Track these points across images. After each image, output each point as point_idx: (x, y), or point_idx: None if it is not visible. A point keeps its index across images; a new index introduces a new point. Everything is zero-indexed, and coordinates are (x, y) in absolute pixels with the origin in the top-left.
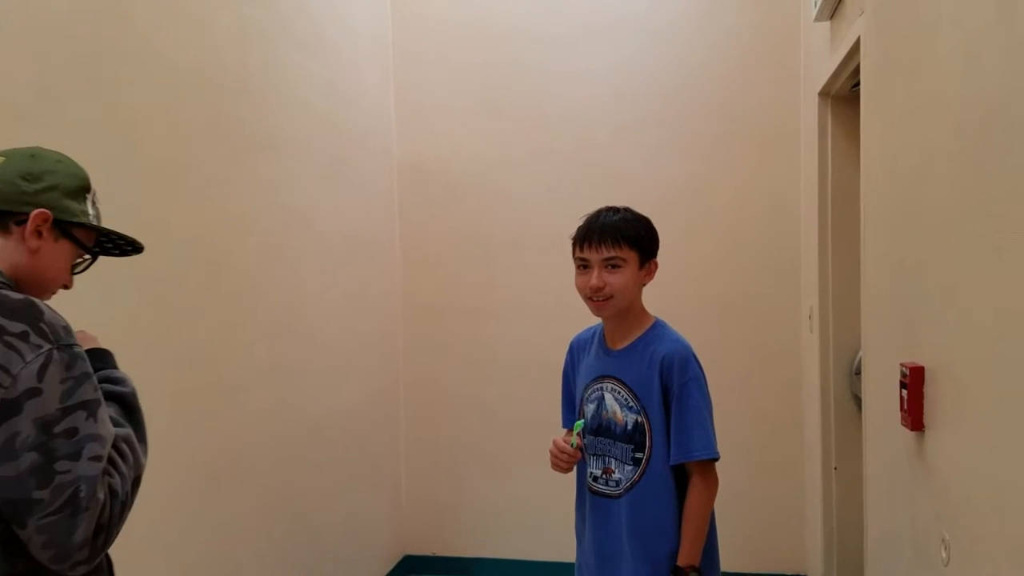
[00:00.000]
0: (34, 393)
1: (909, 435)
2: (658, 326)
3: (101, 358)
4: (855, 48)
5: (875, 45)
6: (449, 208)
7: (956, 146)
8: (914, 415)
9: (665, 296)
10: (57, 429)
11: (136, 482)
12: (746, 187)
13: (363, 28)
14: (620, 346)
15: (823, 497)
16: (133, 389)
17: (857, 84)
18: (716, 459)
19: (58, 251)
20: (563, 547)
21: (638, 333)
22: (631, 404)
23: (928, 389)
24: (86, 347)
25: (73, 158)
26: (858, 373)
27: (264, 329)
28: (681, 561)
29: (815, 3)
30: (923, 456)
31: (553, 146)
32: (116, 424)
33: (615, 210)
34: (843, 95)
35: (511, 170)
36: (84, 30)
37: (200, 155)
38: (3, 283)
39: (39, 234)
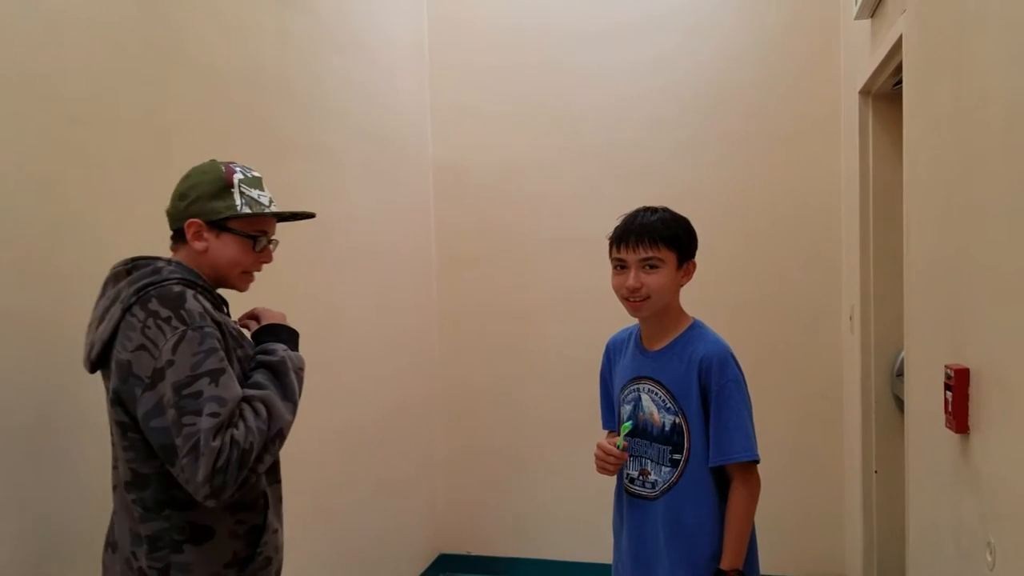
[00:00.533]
0: (171, 363)
1: (954, 437)
2: (696, 326)
3: (271, 331)
4: (897, 46)
5: (918, 43)
6: (484, 210)
7: (1003, 145)
8: (959, 417)
9: (702, 296)
10: (186, 391)
11: (277, 435)
12: (785, 186)
13: (400, 34)
14: (657, 347)
15: (863, 500)
16: (282, 358)
17: (899, 82)
18: (756, 461)
19: (223, 245)
20: (597, 548)
21: (676, 334)
22: (668, 405)
23: (973, 391)
24: (266, 322)
25: (125, 160)
26: (900, 375)
27: (303, 332)
28: (725, 564)
29: (856, 1)
30: (968, 459)
31: (587, 146)
32: (259, 387)
33: (653, 210)
34: (884, 93)
35: (545, 171)
36: (133, 37)
37: (238, 158)
38: (183, 279)
39: (201, 237)
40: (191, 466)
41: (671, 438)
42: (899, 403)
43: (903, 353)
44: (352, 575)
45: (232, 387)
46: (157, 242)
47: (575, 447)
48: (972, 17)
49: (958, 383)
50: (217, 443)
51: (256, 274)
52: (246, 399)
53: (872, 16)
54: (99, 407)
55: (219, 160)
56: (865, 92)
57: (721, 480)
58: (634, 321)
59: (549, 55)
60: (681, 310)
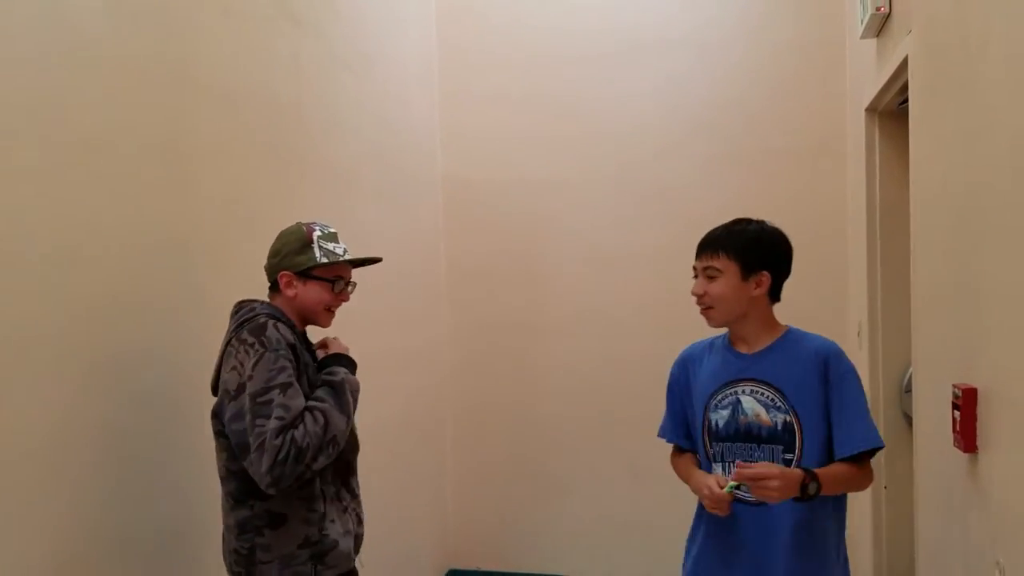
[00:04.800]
0: (251, 378)
1: (962, 457)
2: (795, 330)
3: (336, 358)
4: (903, 66)
5: (923, 63)
6: (494, 229)
7: (1011, 164)
8: (967, 437)
9: None
10: (260, 400)
11: (331, 441)
12: (793, 202)
13: (411, 55)
14: (757, 349)
15: (872, 517)
16: (342, 379)
17: (905, 101)
18: (882, 447)
19: (309, 291)
20: (604, 567)
21: (774, 336)
22: (779, 404)
23: (981, 410)
24: (333, 351)
25: (142, 185)
26: (908, 391)
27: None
28: (815, 470)
29: (862, 20)
30: (976, 478)
31: (598, 164)
32: (320, 400)
33: (736, 221)
34: (890, 111)
35: (556, 189)
36: (153, 62)
37: (257, 181)
38: (271, 315)
39: (291, 285)
40: (258, 459)
41: (783, 437)
42: (908, 419)
43: (911, 369)
44: None
45: (297, 398)
46: (175, 256)
47: (586, 463)
48: (976, 38)
49: (966, 402)
50: (279, 441)
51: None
52: (308, 408)
53: (878, 36)
54: None
55: (303, 221)
56: (872, 110)
57: None
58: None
59: (560, 75)
60: (773, 317)
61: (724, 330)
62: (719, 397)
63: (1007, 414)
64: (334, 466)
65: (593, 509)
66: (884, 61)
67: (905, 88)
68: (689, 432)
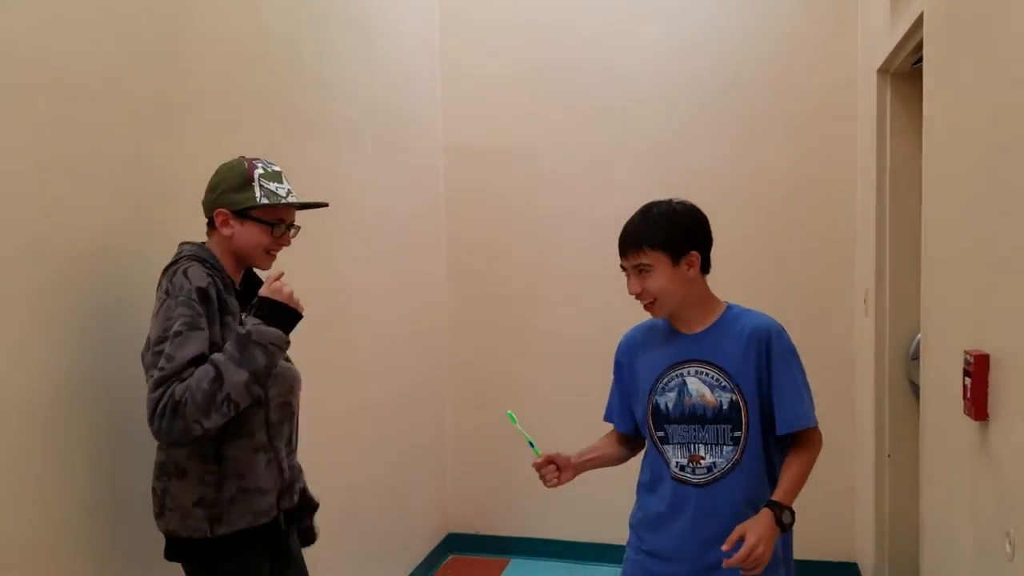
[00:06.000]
0: (154, 326)
1: (972, 425)
2: (735, 307)
3: (262, 304)
4: (917, 24)
5: (940, 20)
6: (496, 191)
7: None
8: (978, 404)
9: (713, 278)
10: (155, 349)
11: (225, 399)
12: (799, 167)
13: (410, 10)
14: (699, 329)
15: (875, 485)
16: (248, 330)
17: (919, 61)
18: (814, 426)
19: (246, 232)
20: (604, 528)
21: (715, 315)
22: (723, 383)
23: (993, 377)
24: (263, 293)
25: (130, 138)
26: (915, 358)
27: (313, 313)
28: (778, 497)
29: None
30: (987, 447)
31: (603, 126)
32: (221, 353)
33: (646, 210)
34: (903, 72)
35: (558, 152)
36: (145, 14)
37: (253, 137)
38: (193, 256)
39: (228, 224)
40: (146, 410)
41: (729, 416)
42: (914, 387)
43: (919, 336)
44: (362, 554)
45: (185, 347)
46: (166, 219)
47: (583, 429)
48: None
49: (978, 369)
50: (157, 394)
51: (278, 255)
52: (209, 361)
53: None
54: None
55: (246, 156)
56: (883, 71)
57: (777, 451)
58: (643, 316)
59: (564, 34)
60: (711, 295)
61: None
62: (665, 380)
63: (1019, 381)
64: (270, 412)
65: (590, 474)
66: (898, 19)
67: (920, 47)
68: (629, 419)
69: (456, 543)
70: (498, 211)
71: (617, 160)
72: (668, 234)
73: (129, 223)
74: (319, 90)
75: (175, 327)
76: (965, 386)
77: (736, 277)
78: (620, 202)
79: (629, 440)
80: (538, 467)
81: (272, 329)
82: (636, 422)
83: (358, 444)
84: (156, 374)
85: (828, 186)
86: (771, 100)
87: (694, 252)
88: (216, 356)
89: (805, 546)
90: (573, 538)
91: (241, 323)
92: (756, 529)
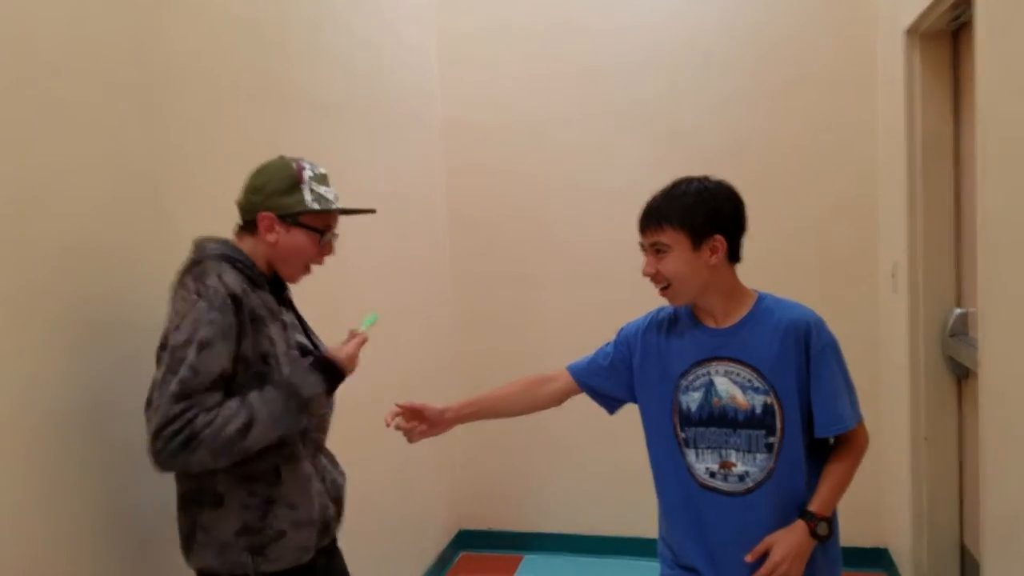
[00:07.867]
0: (178, 328)
1: None
2: (767, 297)
3: (327, 367)
4: None
5: None
6: (497, 168)
7: None
8: None
9: None
10: (178, 354)
11: (243, 450)
12: (817, 136)
13: None
14: (728, 323)
15: (911, 469)
16: (308, 397)
17: (957, 18)
18: (853, 427)
19: (293, 238)
20: (616, 521)
21: (744, 308)
22: (757, 384)
23: None
24: (334, 355)
25: (119, 113)
26: (954, 335)
27: (314, 299)
28: (814, 507)
29: None
30: None
31: (607, 99)
32: (262, 400)
33: (674, 185)
34: (935, 32)
35: (563, 129)
36: None
37: (243, 112)
38: (224, 257)
39: (273, 229)
40: (150, 420)
41: (764, 420)
42: (952, 365)
43: (957, 311)
44: (373, 552)
45: (212, 362)
46: (148, 197)
47: (593, 420)
48: None
49: None
50: (175, 409)
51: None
52: (241, 399)
53: None
54: None
55: (288, 157)
56: (912, 31)
57: (815, 450)
58: (656, 298)
59: (565, 6)
60: (739, 283)
61: None
62: (690, 378)
63: None
64: (306, 436)
65: (601, 465)
66: None
67: (957, 4)
68: (590, 385)
69: (467, 540)
70: (501, 189)
71: (628, 136)
72: (691, 213)
73: (108, 204)
74: (311, 63)
75: (202, 332)
76: None
77: (750, 252)
78: (630, 182)
79: (552, 397)
80: (400, 425)
81: (326, 397)
82: (589, 389)
83: (365, 439)
84: (175, 385)
85: (848, 155)
86: (786, 65)
87: (719, 237)
88: (254, 402)
89: None
90: (587, 531)
91: (283, 325)
92: (784, 543)
